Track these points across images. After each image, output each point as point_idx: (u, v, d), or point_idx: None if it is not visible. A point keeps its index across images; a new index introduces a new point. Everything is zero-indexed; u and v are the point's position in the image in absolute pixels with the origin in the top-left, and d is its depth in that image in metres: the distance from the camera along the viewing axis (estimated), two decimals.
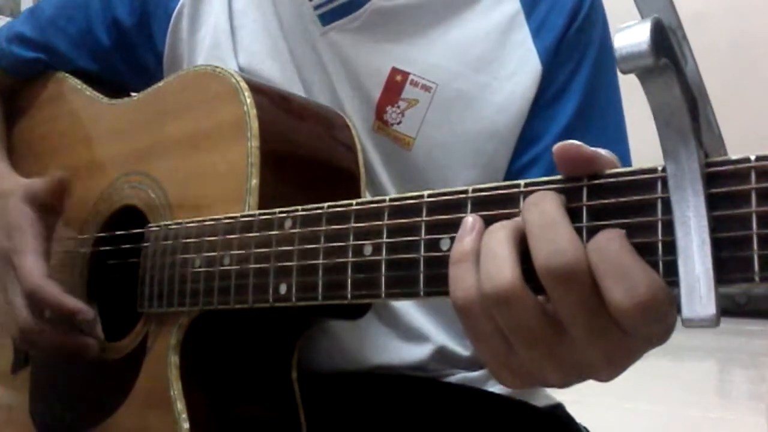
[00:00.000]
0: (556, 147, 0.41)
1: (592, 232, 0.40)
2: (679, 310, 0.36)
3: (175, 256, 0.65)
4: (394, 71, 0.73)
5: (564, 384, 0.43)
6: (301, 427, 0.70)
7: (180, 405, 0.63)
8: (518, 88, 0.72)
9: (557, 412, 0.80)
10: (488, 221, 0.44)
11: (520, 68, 0.73)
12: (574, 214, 0.41)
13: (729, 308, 4.44)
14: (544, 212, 0.40)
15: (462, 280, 0.42)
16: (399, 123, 0.73)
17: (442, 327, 0.75)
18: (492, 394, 0.77)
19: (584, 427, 0.79)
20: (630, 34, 0.33)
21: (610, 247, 0.38)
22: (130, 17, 0.82)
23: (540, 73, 0.73)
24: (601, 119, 0.76)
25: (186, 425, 0.62)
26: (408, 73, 0.73)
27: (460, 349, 0.76)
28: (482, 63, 0.73)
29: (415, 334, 0.75)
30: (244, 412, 0.69)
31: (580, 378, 0.42)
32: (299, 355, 0.71)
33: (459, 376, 0.77)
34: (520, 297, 0.40)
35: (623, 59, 0.33)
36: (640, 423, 2.31)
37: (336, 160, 0.70)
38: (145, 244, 0.69)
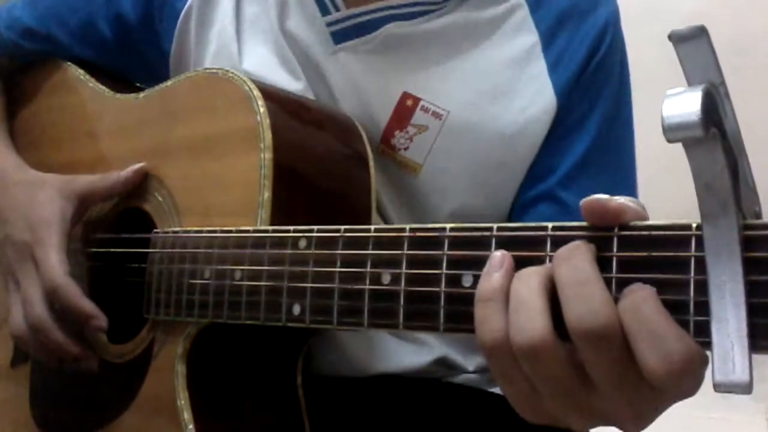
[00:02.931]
0: (583, 202, 0.41)
1: (622, 284, 0.40)
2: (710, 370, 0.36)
3: (184, 265, 0.64)
4: (405, 96, 0.71)
5: (587, 428, 0.43)
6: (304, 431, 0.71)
7: (187, 415, 0.63)
8: (531, 123, 0.71)
9: None
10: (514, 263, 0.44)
11: (535, 102, 0.71)
12: (603, 264, 0.40)
13: None
14: (576, 269, 0.39)
15: (490, 321, 0.42)
16: (407, 149, 0.71)
17: (445, 338, 0.75)
18: (493, 394, 0.78)
19: None
20: (680, 103, 0.32)
21: (644, 309, 0.37)
22: (135, 13, 0.80)
23: (555, 109, 0.71)
24: (615, 157, 0.74)
25: None
26: (419, 99, 0.71)
27: (462, 359, 0.76)
28: (496, 94, 0.71)
29: (418, 343, 0.75)
30: (251, 420, 0.69)
31: (606, 425, 0.43)
32: (303, 361, 0.71)
33: (460, 378, 0.78)
34: (551, 350, 0.40)
35: (671, 129, 0.33)
36: None
37: (348, 169, 0.69)
38: (153, 250, 0.68)
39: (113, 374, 0.72)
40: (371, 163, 0.70)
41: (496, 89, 0.71)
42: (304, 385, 0.70)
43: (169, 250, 0.66)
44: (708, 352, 0.37)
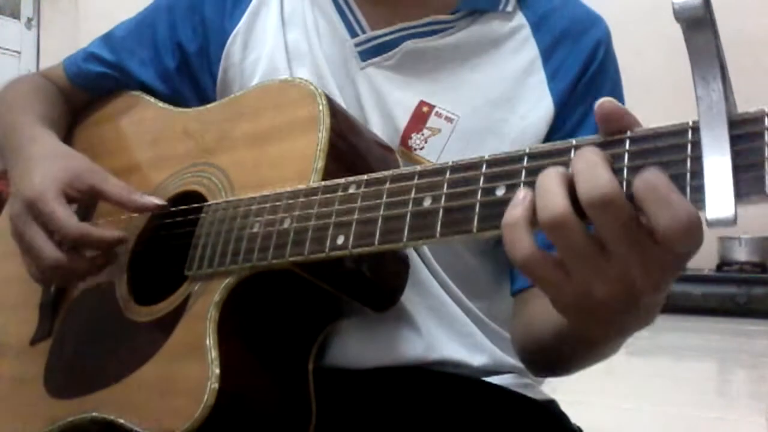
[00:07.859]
0: (598, 104, 0.51)
1: (633, 170, 0.50)
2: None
3: (234, 222, 0.72)
4: (422, 103, 0.84)
5: (612, 305, 0.50)
6: (311, 415, 0.74)
7: (214, 353, 0.68)
8: (531, 127, 0.83)
9: (551, 407, 0.85)
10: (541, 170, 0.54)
11: (535, 108, 0.84)
12: (617, 159, 0.50)
13: (729, 308, 4.41)
14: (587, 158, 0.49)
15: (519, 240, 0.50)
16: (422, 149, 0.83)
17: (453, 338, 0.81)
18: (491, 385, 0.82)
19: (577, 427, 0.83)
20: None
21: (653, 180, 0.46)
22: (193, 42, 0.92)
23: (552, 114, 0.84)
24: None
25: (217, 370, 0.67)
26: (434, 106, 0.84)
27: (468, 356, 0.81)
28: (501, 101, 0.84)
29: (423, 337, 0.80)
30: (264, 388, 0.73)
31: (624, 296, 0.50)
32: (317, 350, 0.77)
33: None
34: (570, 223, 0.49)
35: (681, 9, 0.45)
36: (639, 423, 2.32)
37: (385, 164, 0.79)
38: (203, 215, 0.76)
39: (138, 333, 0.76)
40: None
41: (501, 97, 0.84)
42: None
43: (221, 212, 0.74)
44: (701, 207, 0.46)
